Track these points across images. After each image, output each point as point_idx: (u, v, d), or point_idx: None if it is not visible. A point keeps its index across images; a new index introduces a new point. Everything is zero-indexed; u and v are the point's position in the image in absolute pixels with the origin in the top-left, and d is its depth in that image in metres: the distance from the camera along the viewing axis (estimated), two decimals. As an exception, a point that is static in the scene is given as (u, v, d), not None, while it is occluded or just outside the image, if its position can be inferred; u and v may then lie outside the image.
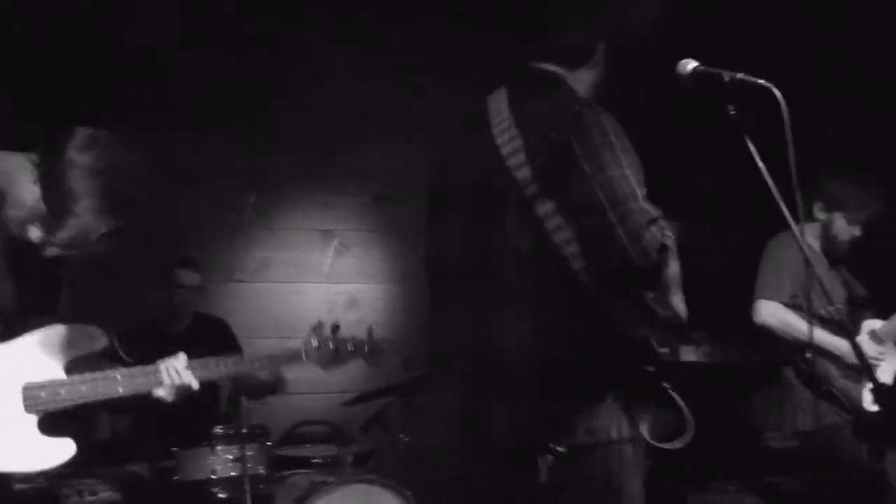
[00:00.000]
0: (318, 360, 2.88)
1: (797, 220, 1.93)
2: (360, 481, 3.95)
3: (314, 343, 2.87)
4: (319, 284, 5.42)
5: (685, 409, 1.98)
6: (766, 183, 1.90)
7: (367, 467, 4.26)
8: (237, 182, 5.07)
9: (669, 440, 2.02)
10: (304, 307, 5.31)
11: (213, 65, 4.95)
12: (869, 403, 3.68)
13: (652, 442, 2.03)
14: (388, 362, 2.99)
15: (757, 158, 1.92)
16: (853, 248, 4.01)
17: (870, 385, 3.43)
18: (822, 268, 3.94)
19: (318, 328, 2.90)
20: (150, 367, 2.60)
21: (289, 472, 4.16)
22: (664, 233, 1.96)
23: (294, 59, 5.17)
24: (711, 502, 4.49)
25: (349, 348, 2.93)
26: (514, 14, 2.44)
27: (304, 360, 2.87)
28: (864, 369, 2.62)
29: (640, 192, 1.98)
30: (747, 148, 1.97)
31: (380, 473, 4.06)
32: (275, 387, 4.19)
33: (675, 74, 2.05)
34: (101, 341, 2.56)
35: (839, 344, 3.73)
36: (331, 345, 2.88)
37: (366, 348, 2.96)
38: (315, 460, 4.28)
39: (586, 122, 2.02)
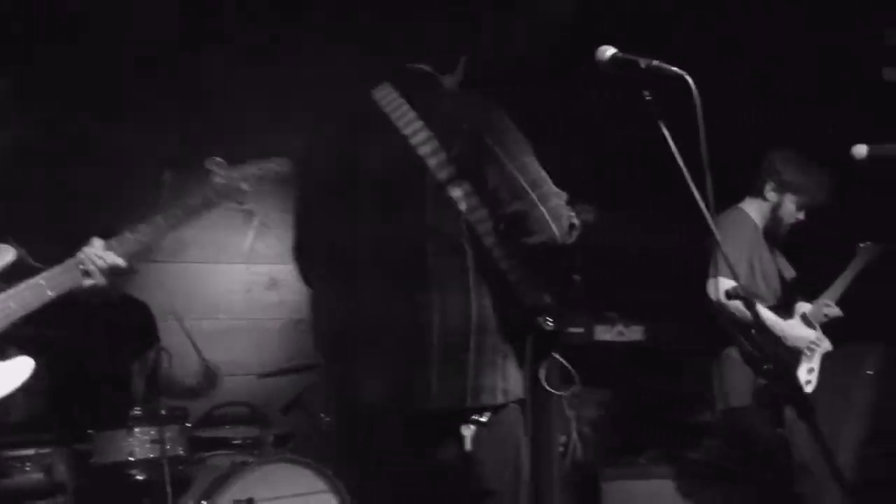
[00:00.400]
0: (232, 196, 2.72)
1: (709, 208, 1.93)
2: (280, 461, 3.93)
3: (220, 180, 2.70)
4: (238, 265, 5.25)
5: (569, 366, 2.25)
6: (679, 169, 1.90)
7: (287, 448, 4.23)
8: (153, 160, 4.63)
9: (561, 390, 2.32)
10: (222, 288, 5.17)
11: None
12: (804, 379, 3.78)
13: (548, 388, 2.26)
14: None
15: (671, 144, 1.92)
16: (790, 233, 4.06)
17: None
18: (762, 248, 3.98)
19: (215, 165, 2.70)
20: (70, 262, 2.51)
21: (209, 454, 4.12)
22: (571, 213, 2.14)
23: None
24: (623, 475, 4.55)
25: (257, 172, 2.77)
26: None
27: (218, 200, 2.70)
28: (760, 330, 2.61)
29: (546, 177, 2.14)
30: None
31: (301, 453, 4.02)
32: (200, 390, 4.08)
33: (595, 61, 2.06)
34: (10, 254, 2.50)
35: (783, 326, 3.81)
36: (236, 175, 2.72)
37: (275, 167, 2.80)
38: (235, 441, 4.23)
39: (494, 116, 2.19)
